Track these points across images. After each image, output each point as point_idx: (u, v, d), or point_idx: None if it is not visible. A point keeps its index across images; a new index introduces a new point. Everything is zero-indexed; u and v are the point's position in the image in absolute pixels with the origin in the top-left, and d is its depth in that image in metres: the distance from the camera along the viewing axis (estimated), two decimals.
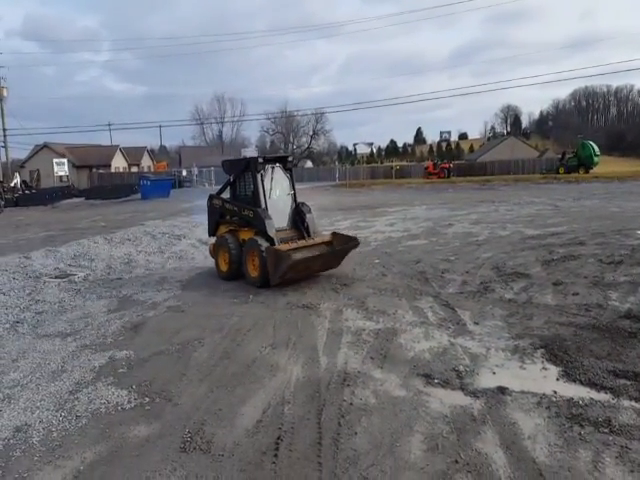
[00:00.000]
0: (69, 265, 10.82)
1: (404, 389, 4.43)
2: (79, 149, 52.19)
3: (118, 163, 55.21)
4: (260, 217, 8.30)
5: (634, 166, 52.82)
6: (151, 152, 69.25)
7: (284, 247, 8.03)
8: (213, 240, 9.63)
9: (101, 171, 49.11)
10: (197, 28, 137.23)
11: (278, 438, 3.77)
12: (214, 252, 9.32)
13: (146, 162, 62.98)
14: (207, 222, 9.79)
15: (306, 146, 68.41)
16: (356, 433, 3.77)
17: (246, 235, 8.71)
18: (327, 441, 3.69)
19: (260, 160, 8.56)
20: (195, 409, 4.32)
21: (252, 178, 8.64)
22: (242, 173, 8.94)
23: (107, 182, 43.98)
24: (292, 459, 3.52)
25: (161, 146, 74.60)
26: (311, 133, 66.82)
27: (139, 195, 32.71)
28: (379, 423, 3.89)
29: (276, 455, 3.57)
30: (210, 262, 10.84)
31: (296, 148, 68.42)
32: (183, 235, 14.13)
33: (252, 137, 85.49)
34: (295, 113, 66.18)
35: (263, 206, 8.46)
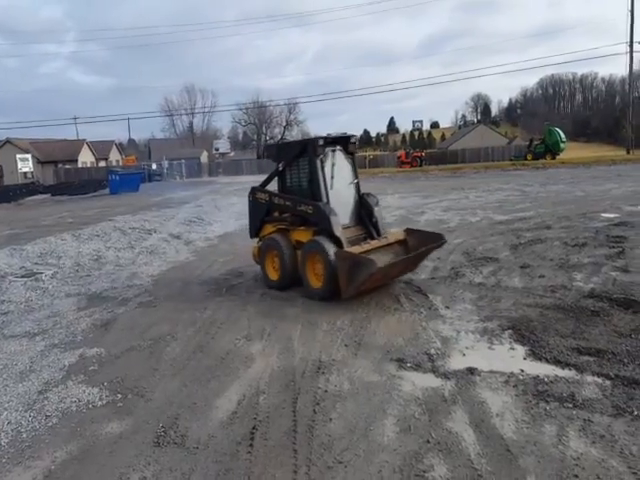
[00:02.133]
0: (35, 263, 10.51)
1: (378, 374, 4.49)
2: (44, 144, 50.59)
3: (85, 158, 53.77)
4: (323, 213, 6.76)
5: (599, 151, 54.55)
6: (120, 146, 67.67)
7: (355, 250, 6.56)
8: (256, 242, 8.09)
9: (67, 166, 47.79)
10: (165, 18, 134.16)
11: (253, 428, 3.79)
12: (259, 256, 7.86)
13: (114, 156, 61.56)
14: (249, 221, 8.16)
15: (279, 137, 67.89)
16: (331, 419, 3.81)
17: (301, 236, 7.19)
18: (302, 428, 3.72)
19: (320, 142, 7.03)
20: (168, 404, 4.29)
21: (310, 165, 7.08)
22: (295, 159, 7.34)
23: (74, 178, 42.80)
24: (267, 448, 3.54)
25: (130, 139, 73.01)
26: (284, 124, 66.38)
27: (107, 190, 31.99)
28: (353, 408, 3.95)
29: (251, 445, 3.58)
30: (183, 257, 10.76)
31: (269, 139, 67.88)
32: (154, 229, 13.88)
33: (224, 128, 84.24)
34: (268, 103, 65.53)
35: (325, 199, 6.94)
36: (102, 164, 54.86)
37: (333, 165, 7.09)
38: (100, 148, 58.50)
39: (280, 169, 7.52)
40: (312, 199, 6.97)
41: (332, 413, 3.90)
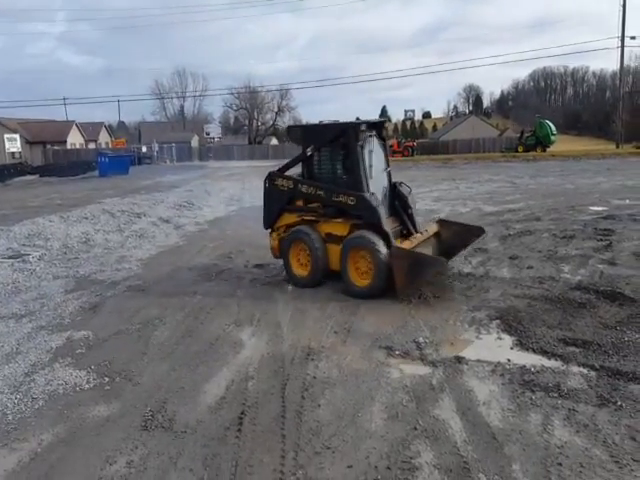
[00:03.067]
0: (23, 245, 10.38)
1: (366, 361, 4.52)
2: (32, 124, 49.54)
3: (74, 139, 52.83)
4: (370, 205, 6.25)
5: (589, 145, 54.93)
6: (109, 128, 66.58)
7: (406, 245, 6.34)
8: (270, 234, 7.36)
9: (56, 147, 46.94)
10: (157, 0, 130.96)
11: (242, 413, 3.79)
12: (279, 250, 7.16)
13: (104, 138, 60.60)
14: (263, 209, 7.35)
15: (271, 123, 67.25)
16: (319, 405, 3.83)
17: (335, 228, 6.60)
18: (291, 414, 3.74)
19: (363, 127, 6.56)
20: (157, 388, 4.29)
21: (349, 151, 6.52)
22: (329, 144, 6.77)
23: (63, 159, 42.11)
24: (256, 433, 3.55)
25: (119, 122, 71.79)
26: (276, 110, 65.65)
27: (97, 172, 31.53)
28: (342, 395, 3.97)
29: (239, 430, 3.59)
30: (172, 241, 10.67)
31: (261, 125, 67.23)
32: (143, 213, 13.75)
33: (215, 112, 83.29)
34: (259, 89, 64.72)
35: (368, 190, 6.42)
36: (91, 146, 53.91)
37: (371, 152, 6.56)
38: (89, 130, 57.50)
39: (308, 154, 6.80)
40: (351, 189, 6.43)
41: (321, 399, 3.92)
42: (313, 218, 6.80)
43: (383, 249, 6.06)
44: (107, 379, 4.49)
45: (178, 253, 9.43)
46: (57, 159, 42.67)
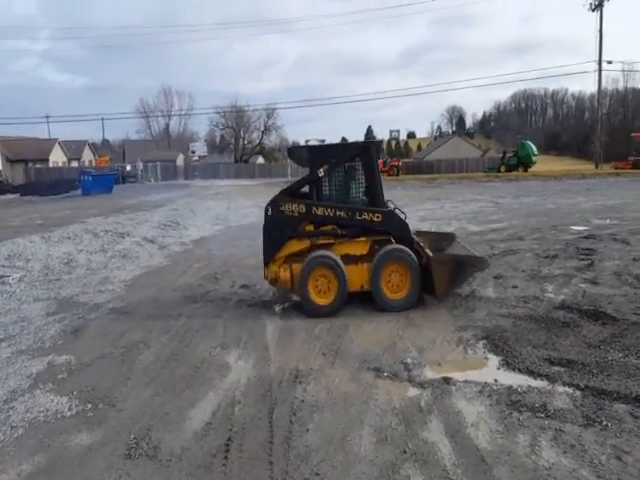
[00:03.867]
0: (2, 266, 10.14)
1: (355, 384, 4.49)
2: (14, 142, 48.98)
3: (57, 157, 52.42)
4: (399, 220, 6.55)
5: (569, 165, 56.33)
6: (93, 146, 66.24)
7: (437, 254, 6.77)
8: (277, 264, 6.62)
9: (38, 166, 46.44)
10: (144, 19, 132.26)
11: (228, 440, 3.73)
12: (292, 280, 6.50)
13: (87, 156, 60.25)
14: (263, 240, 6.68)
15: (257, 142, 67.60)
16: (308, 430, 3.79)
17: (351, 249, 6.55)
18: (279, 439, 3.68)
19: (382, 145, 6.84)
20: (141, 414, 4.19)
21: (370, 169, 6.60)
22: (343, 163, 6.74)
23: (45, 177, 41.62)
24: (243, 460, 3.49)
25: (104, 140, 71.45)
26: (262, 129, 66.08)
27: (80, 191, 31.22)
28: (330, 418, 3.93)
29: (226, 457, 3.52)
30: (157, 262, 10.56)
31: (247, 143, 67.49)
32: (127, 233, 13.61)
33: (201, 131, 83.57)
34: (246, 108, 65.19)
35: (385, 206, 6.68)
36: (74, 164, 53.54)
37: (378, 169, 6.81)
38: (73, 148, 57.19)
39: (321, 175, 6.60)
40: (372, 206, 6.56)
41: (309, 424, 3.87)
42: (330, 241, 6.58)
43: (416, 260, 6.36)
44: (90, 405, 4.37)
45: (162, 274, 9.33)
46: (39, 177, 42.21)
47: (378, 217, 6.47)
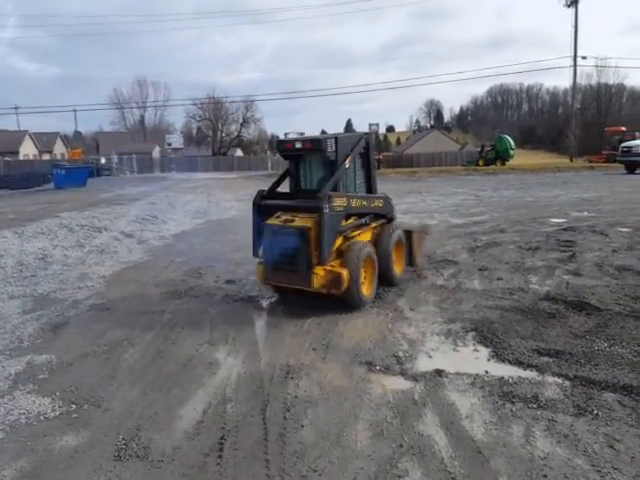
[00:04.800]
0: None
1: (347, 378, 4.45)
2: None
3: (27, 150, 50.85)
4: (391, 203, 7.28)
5: (544, 158, 57.47)
6: (65, 138, 64.39)
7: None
8: (329, 265, 6.02)
9: (7, 158, 44.91)
10: (117, 7, 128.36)
11: (221, 438, 3.64)
12: (352, 278, 5.98)
13: (59, 149, 58.61)
14: (321, 243, 5.79)
15: (236, 134, 66.73)
16: (302, 426, 3.73)
17: (364, 236, 6.67)
18: (273, 437, 3.62)
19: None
20: (128, 414, 4.07)
21: (368, 158, 6.89)
22: (359, 153, 6.74)
23: (15, 170, 40.26)
24: (237, 458, 3.41)
25: (76, 132, 69.29)
26: (241, 121, 65.20)
27: (52, 185, 30.31)
28: (325, 414, 3.88)
29: (220, 456, 3.44)
30: (136, 257, 10.32)
31: (225, 136, 66.51)
32: (104, 227, 13.24)
33: (177, 123, 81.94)
34: (224, 99, 64.19)
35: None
36: (46, 157, 51.99)
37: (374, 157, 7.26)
38: (44, 140, 55.52)
39: (347, 166, 6.32)
40: (369, 192, 6.97)
41: (303, 420, 3.82)
42: (357, 232, 6.54)
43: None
44: (74, 406, 4.22)
45: (143, 269, 9.11)
46: (9, 171, 40.75)
47: (381, 203, 7.01)
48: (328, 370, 4.62)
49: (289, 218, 6.11)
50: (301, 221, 5.96)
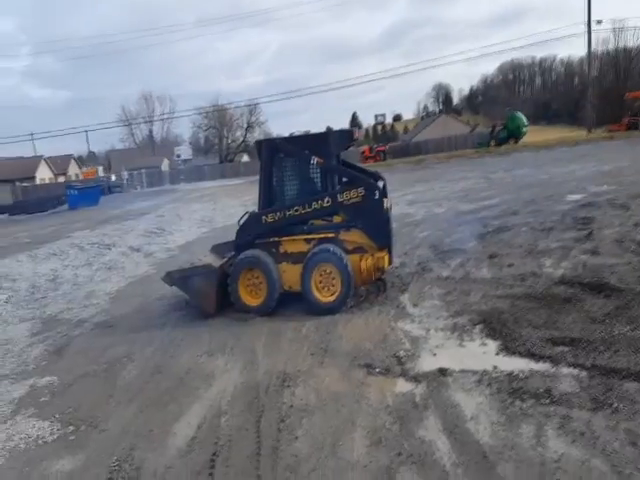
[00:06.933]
0: None
1: (345, 383, 4.25)
2: None
3: (43, 174, 51.91)
4: None
5: (561, 133, 55.63)
6: (80, 159, 65.61)
7: None
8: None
9: (25, 184, 45.86)
10: (121, 27, 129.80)
11: (214, 454, 3.50)
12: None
13: (73, 170, 59.70)
14: (389, 229, 6.50)
15: (241, 140, 66.66)
16: (297, 437, 3.55)
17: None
18: (266, 450, 3.45)
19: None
20: (124, 433, 3.97)
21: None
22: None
23: (32, 195, 41.11)
24: (229, 476, 3.27)
25: (89, 152, 70.42)
26: (246, 126, 65.06)
27: (66, 206, 30.83)
28: (321, 422, 3.69)
29: (211, 474, 3.30)
30: (142, 271, 10.29)
31: (231, 142, 66.47)
32: (113, 244, 13.31)
33: (184, 134, 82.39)
34: (227, 106, 64.17)
35: None
36: (61, 179, 52.97)
37: None
38: (58, 163, 56.54)
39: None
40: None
41: (298, 430, 3.63)
42: None
43: None
44: (72, 428, 4.16)
45: (147, 282, 9.06)
46: (26, 196, 41.63)
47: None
48: (325, 375, 4.42)
49: None
50: None
